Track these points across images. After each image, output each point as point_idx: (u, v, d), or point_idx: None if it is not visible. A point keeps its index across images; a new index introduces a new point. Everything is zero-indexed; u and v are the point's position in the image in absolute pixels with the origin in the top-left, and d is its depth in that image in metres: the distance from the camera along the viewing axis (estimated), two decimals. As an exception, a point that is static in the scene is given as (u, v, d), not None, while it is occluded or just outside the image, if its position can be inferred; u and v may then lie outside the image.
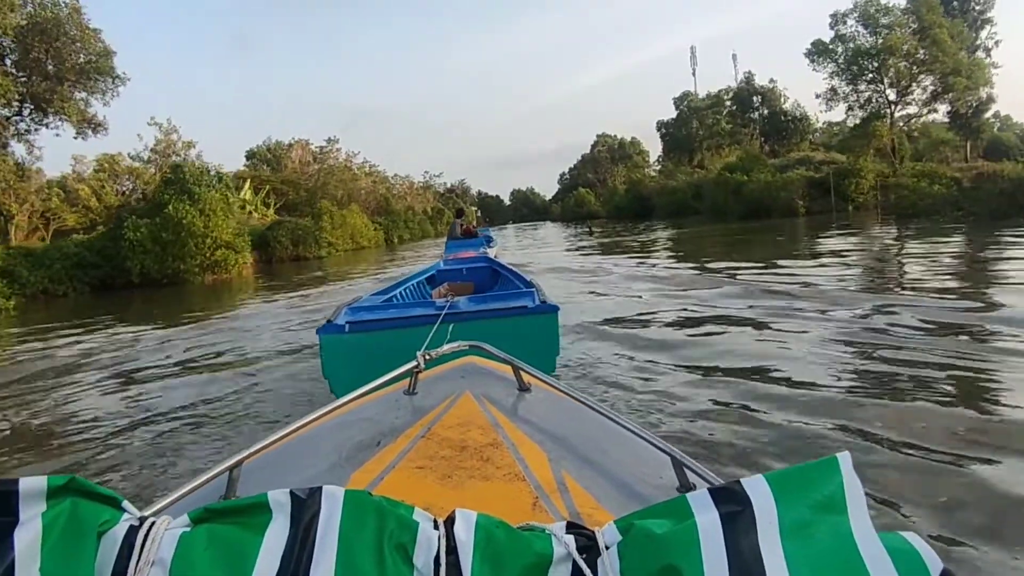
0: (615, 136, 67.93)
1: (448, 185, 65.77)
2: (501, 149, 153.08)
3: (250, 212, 30.02)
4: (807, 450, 2.27)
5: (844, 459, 0.43)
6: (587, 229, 25.85)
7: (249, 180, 33.36)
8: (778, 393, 2.95)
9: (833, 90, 28.17)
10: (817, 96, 28.92)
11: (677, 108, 51.93)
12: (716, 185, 27.43)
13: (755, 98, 48.79)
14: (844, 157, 28.09)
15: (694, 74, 57.56)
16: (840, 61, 27.17)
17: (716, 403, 2.88)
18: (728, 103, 49.90)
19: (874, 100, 27.35)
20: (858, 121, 27.54)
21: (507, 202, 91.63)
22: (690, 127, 49.53)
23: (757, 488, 0.42)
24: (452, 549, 0.42)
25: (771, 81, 48.56)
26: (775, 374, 3.28)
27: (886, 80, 26.39)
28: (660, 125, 53.97)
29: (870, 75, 26.61)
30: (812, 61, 27.86)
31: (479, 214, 16.71)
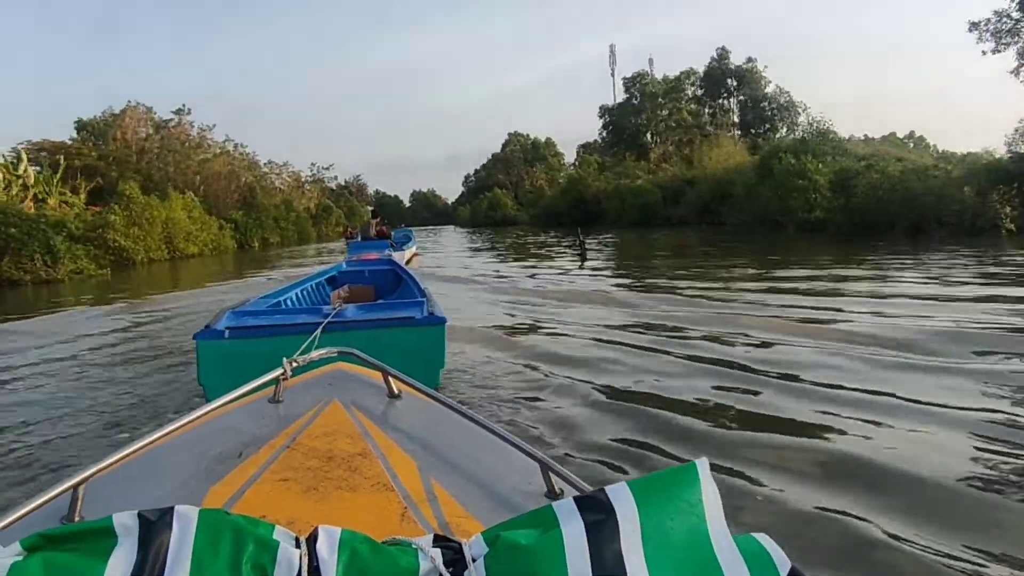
0: (528, 135, 72.34)
1: (341, 181, 66.80)
2: (396, 152, 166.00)
3: (37, 197, 27.52)
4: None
5: (702, 465, 0.58)
6: (577, 243, 17.26)
7: (24, 153, 30.00)
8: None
9: (1008, 17, 20.27)
10: (972, 27, 21.40)
11: (628, 92, 54.61)
12: (759, 179, 22.91)
13: (730, 80, 51.66)
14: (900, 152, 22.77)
15: (613, 74, 61.65)
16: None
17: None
18: (691, 88, 52.73)
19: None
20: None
21: (407, 203, 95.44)
22: (640, 117, 51.98)
23: (620, 495, 0.56)
24: (315, 569, 0.53)
25: (749, 60, 50.42)
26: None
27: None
28: (604, 111, 56.48)
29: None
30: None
31: (372, 217, 16.62)
